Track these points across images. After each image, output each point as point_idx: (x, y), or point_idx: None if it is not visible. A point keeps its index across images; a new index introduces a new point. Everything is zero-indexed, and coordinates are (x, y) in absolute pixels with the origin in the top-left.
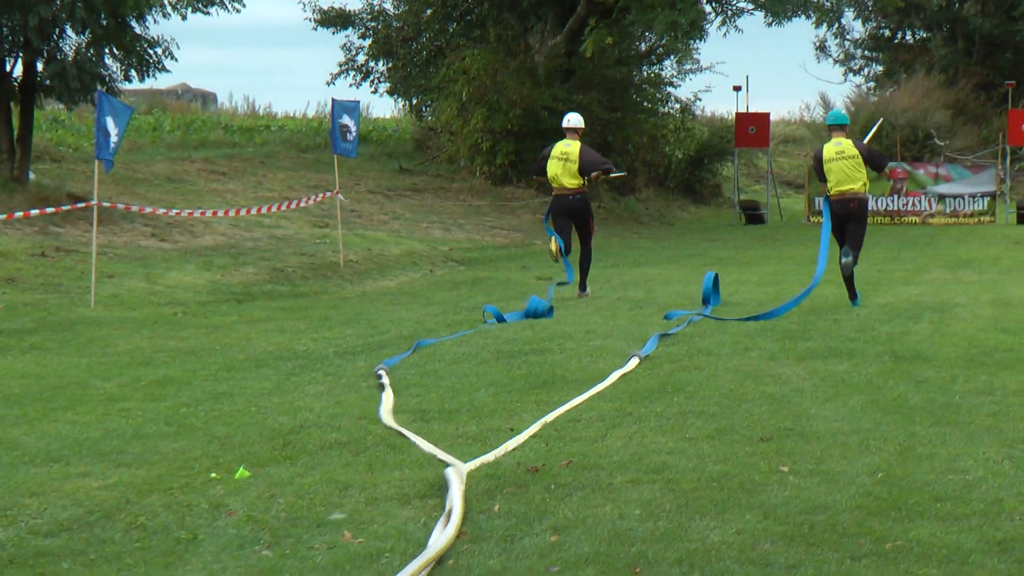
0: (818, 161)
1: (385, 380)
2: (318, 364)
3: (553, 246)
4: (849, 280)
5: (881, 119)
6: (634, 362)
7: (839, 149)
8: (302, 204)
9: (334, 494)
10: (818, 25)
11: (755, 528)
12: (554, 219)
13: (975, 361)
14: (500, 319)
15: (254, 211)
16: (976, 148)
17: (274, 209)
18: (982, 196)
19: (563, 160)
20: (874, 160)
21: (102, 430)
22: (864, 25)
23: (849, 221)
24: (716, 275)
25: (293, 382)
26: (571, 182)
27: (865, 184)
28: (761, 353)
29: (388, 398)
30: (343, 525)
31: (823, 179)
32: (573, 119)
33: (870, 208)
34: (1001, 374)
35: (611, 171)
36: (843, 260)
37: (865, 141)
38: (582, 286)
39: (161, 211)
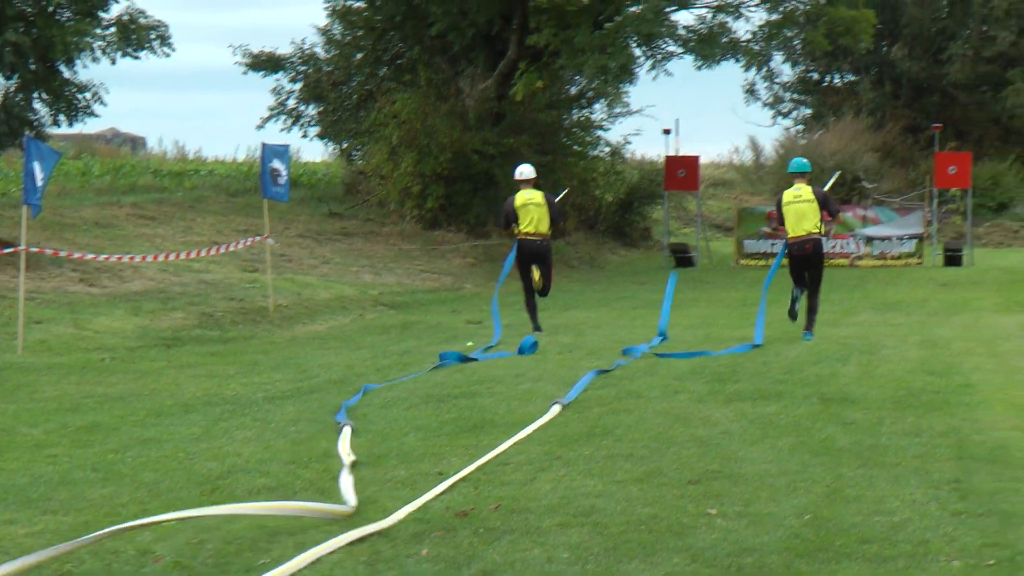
0: (778, 205)
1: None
2: (247, 409)
3: (536, 275)
4: (808, 312)
5: (840, 172)
6: (556, 409)
7: (797, 193)
8: (231, 248)
9: (262, 540)
10: (747, 68)
11: (683, 571)
12: (521, 263)
13: (902, 403)
14: (463, 359)
15: (183, 256)
16: (904, 190)
17: (203, 254)
18: (909, 238)
19: (537, 206)
20: (828, 205)
21: (29, 476)
22: (793, 68)
23: (807, 264)
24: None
25: (222, 427)
26: (544, 228)
27: (819, 227)
28: (690, 396)
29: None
30: (271, 570)
31: (782, 222)
32: (527, 171)
33: None
34: (928, 416)
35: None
36: (793, 309)
37: (825, 189)
38: (537, 326)
39: (90, 256)
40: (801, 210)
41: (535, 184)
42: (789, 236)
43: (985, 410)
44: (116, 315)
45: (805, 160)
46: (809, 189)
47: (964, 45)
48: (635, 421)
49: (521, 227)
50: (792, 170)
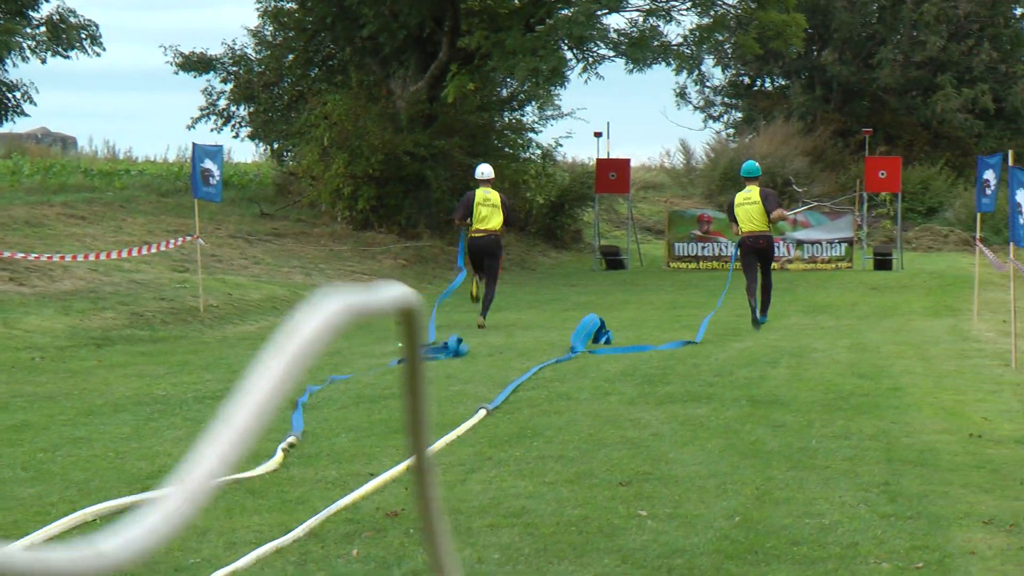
0: (730, 206)
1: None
2: (177, 409)
3: (475, 288)
4: (763, 294)
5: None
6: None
7: (747, 196)
8: (162, 248)
9: (192, 539)
10: (678, 72)
11: (613, 572)
12: (472, 257)
13: (832, 406)
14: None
15: (114, 255)
16: (834, 194)
17: (134, 253)
18: (840, 242)
19: (491, 206)
20: (768, 201)
21: None
22: (724, 72)
23: (758, 256)
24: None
25: (152, 427)
26: (497, 224)
27: (768, 226)
28: (620, 398)
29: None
30: (200, 569)
31: (734, 221)
32: (487, 171)
33: (729, 254)
34: (857, 419)
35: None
36: (759, 318)
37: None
38: (484, 315)
39: (19, 255)
40: (750, 211)
41: (492, 184)
42: (743, 232)
43: (914, 413)
44: (46, 314)
45: (756, 164)
46: (757, 191)
47: (894, 50)
48: (566, 423)
49: (473, 224)
50: (743, 174)
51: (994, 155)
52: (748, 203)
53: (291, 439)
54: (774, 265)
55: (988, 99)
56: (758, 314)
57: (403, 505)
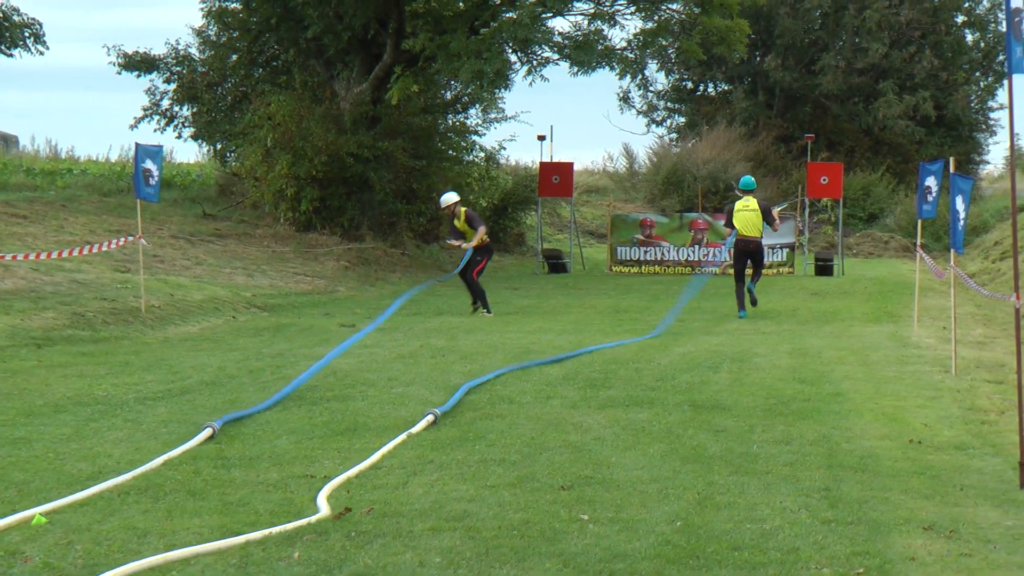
0: (729, 213)
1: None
2: (118, 410)
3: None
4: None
5: (787, 203)
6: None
7: (745, 204)
8: (104, 248)
9: (132, 541)
10: (622, 76)
11: None
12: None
13: (773, 411)
14: None
15: (55, 255)
16: (776, 200)
17: (75, 253)
18: (781, 248)
19: (464, 225)
20: (767, 214)
21: None
22: (667, 77)
23: (750, 256)
24: None
25: (92, 428)
26: (472, 240)
27: (761, 231)
28: (563, 401)
29: None
30: (141, 572)
31: (730, 225)
32: (450, 198)
33: (672, 258)
34: (798, 424)
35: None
36: (751, 296)
37: (775, 212)
38: (488, 308)
39: None
40: (748, 217)
41: (458, 206)
42: (739, 235)
43: (855, 419)
44: None
45: (752, 178)
46: (755, 201)
47: (836, 56)
48: (508, 426)
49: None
50: (741, 187)
51: (935, 162)
52: (747, 210)
53: (208, 430)
54: (715, 270)
55: (929, 106)
56: (749, 284)
57: (345, 507)
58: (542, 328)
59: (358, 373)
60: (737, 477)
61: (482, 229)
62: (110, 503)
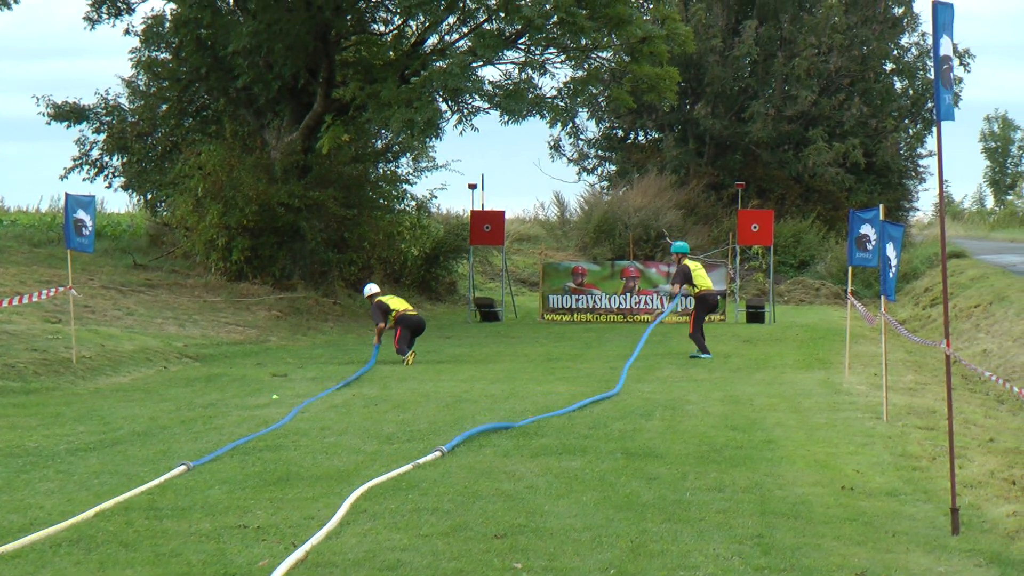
0: (686, 275)
1: None
2: (49, 461)
3: (410, 358)
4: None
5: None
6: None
7: (696, 265)
8: (34, 299)
9: None
10: (552, 125)
11: None
12: (415, 328)
13: (705, 458)
14: None
15: None
16: (707, 247)
17: (5, 304)
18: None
19: (400, 300)
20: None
21: None
22: (598, 125)
23: (714, 309)
24: None
25: (23, 479)
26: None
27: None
28: (495, 450)
29: None
30: None
31: (691, 283)
32: (373, 289)
33: (604, 306)
34: (731, 471)
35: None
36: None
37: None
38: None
39: None
40: (703, 274)
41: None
42: (703, 289)
43: (787, 466)
44: None
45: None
46: (697, 263)
47: (766, 104)
48: (440, 475)
49: (403, 307)
50: (683, 251)
51: (868, 210)
52: (700, 270)
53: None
54: (647, 318)
55: (859, 153)
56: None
57: (280, 557)
58: (474, 377)
59: (290, 423)
60: (670, 525)
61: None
62: (42, 555)
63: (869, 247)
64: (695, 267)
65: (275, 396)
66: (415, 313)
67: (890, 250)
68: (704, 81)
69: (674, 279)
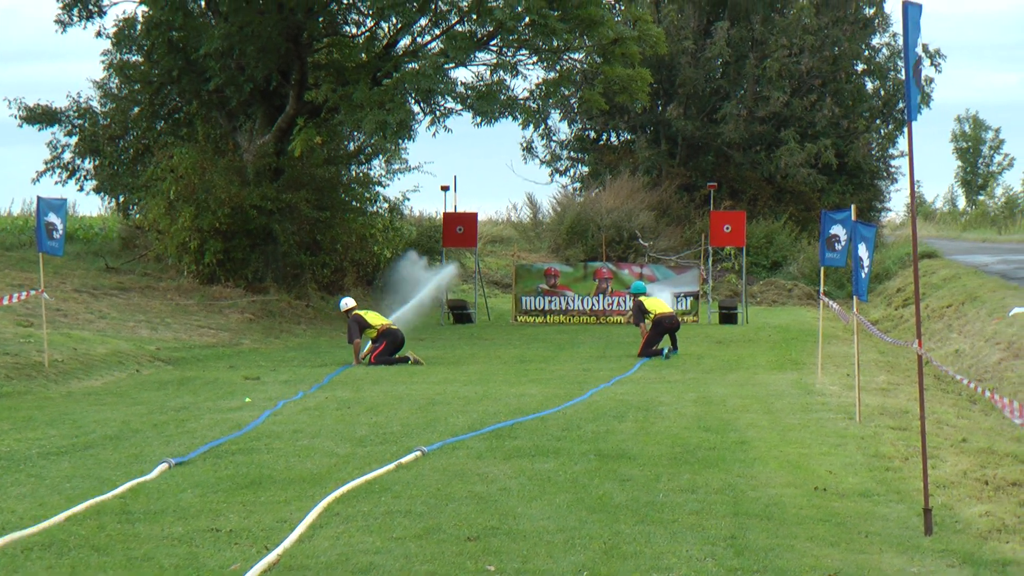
0: (642, 308)
1: None
2: (21, 465)
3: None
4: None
5: (689, 251)
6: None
7: (652, 299)
8: (6, 303)
9: None
10: (525, 126)
11: None
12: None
13: (678, 459)
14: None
15: None
16: (679, 248)
17: None
18: (685, 296)
19: (376, 315)
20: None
21: None
22: (570, 127)
23: (673, 330)
24: None
25: None
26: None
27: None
28: (468, 452)
29: None
30: None
31: (647, 313)
32: (350, 303)
33: (577, 308)
34: (704, 472)
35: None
36: (666, 353)
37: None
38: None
39: None
40: (657, 302)
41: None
42: (656, 314)
43: (760, 467)
44: None
45: (641, 283)
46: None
47: (738, 105)
48: (413, 477)
49: (382, 323)
50: (637, 292)
51: (841, 211)
52: (652, 298)
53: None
54: (620, 319)
55: (831, 154)
56: (668, 350)
57: (241, 561)
58: (448, 379)
59: (263, 426)
60: (643, 526)
61: (356, 342)
62: (13, 559)
63: (838, 247)
64: (646, 299)
65: (248, 399)
66: (397, 328)
67: (862, 250)
68: (676, 82)
69: (634, 319)
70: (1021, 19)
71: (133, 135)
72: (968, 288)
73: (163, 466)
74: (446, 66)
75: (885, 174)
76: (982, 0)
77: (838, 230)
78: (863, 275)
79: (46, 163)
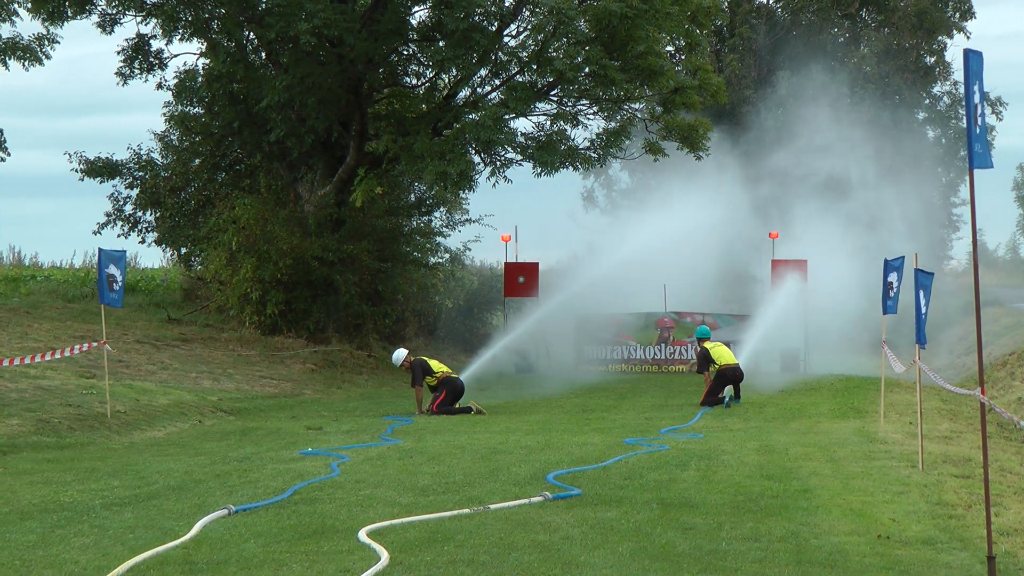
0: (707, 356)
1: None
2: (84, 516)
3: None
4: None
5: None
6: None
7: (714, 344)
8: (68, 354)
9: None
10: (585, 176)
11: None
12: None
13: (741, 508)
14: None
15: (19, 361)
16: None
17: (40, 359)
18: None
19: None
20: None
21: None
22: (631, 176)
23: (736, 380)
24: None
25: (58, 535)
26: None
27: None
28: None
29: None
30: None
31: (713, 362)
32: (403, 353)
33: (639, 357)
34: (766, 520)
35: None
36: (727, 402)
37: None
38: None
39: None
40: (723, 351)
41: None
42: (721, 365)
43: (823, 515)
44: None
45: (707, 328)
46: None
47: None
48: (476, 527)
49: (443, 371)
50: (703, 335)
51: (898, 258)
52: (719, 347)
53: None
54: (682, 368)
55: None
56: (729, 399)
57: None
58: (509, 428)
59: (326, 475)
60: (706, 575)
61: (418, 388)
62: None
63: (891, 294)
64: (713, 347)
65: (310, 449)
66: (456, 376)
67: (921, 298)
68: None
69: (698, 367)
70: None
71: (194, 187)
72: None
73: (223, 512)
74: (506, 116)
75: (947, 222)
76: None
77: (892, 277)
78: (921, 321)
79: (108, 215)
